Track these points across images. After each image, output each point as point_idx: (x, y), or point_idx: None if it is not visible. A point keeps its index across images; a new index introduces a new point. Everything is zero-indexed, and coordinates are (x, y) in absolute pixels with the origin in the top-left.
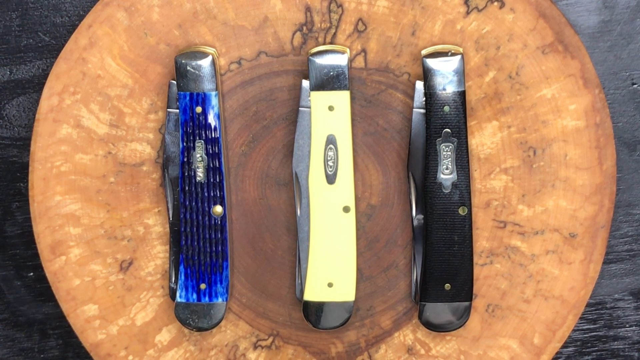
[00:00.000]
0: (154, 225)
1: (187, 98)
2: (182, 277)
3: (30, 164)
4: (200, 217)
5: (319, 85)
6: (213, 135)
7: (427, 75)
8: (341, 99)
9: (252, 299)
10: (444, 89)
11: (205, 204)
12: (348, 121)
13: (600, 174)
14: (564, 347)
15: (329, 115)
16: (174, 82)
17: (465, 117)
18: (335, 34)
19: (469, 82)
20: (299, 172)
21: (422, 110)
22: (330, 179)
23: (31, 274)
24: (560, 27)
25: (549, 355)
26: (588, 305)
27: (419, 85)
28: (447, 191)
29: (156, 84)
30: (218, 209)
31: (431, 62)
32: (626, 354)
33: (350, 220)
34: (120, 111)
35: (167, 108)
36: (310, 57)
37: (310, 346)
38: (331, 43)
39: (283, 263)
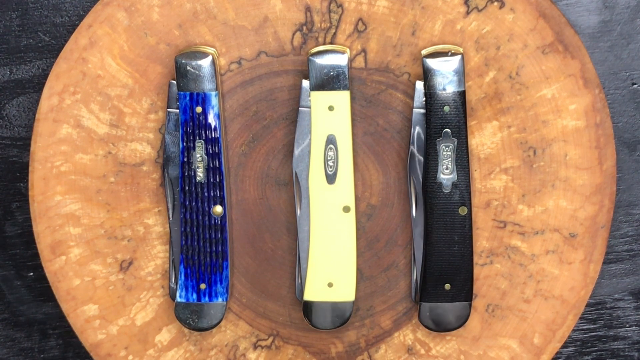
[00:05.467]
0: (154, 225)
1: (187, 98)
2: (182, 277)
3: (30, 164)
4: (200, 217)
5: (319, 85)
6: (213, 135)
7: (427, 75)
8: (341, 99)
9: (252, 299)
10: (444, 89)
11: (205, 204)
12: (348, 121)
13: (600, 174)
14: (564, 347)
15: (329, 115)
16: (174, 82)
17: (465, 117)
18: (335, 34)
19: (469, 82)
20: (299, 172)
21: (422, 110)
22: (330, 179)
23: (31, 274)
24: (560, 27)
25: (549, 355)
26: (588, 305)
27: (419, 85)
28: (447, 191)
29: (156, 84)
30: (218, 209)
31: (431, 62)
32: (626, 354)
33: (350, 220)
34: (120, 111)
35: (167, 108)
36: (310, 57)
37: (310, 346)
38: (331, 43)
39: (283, 263)
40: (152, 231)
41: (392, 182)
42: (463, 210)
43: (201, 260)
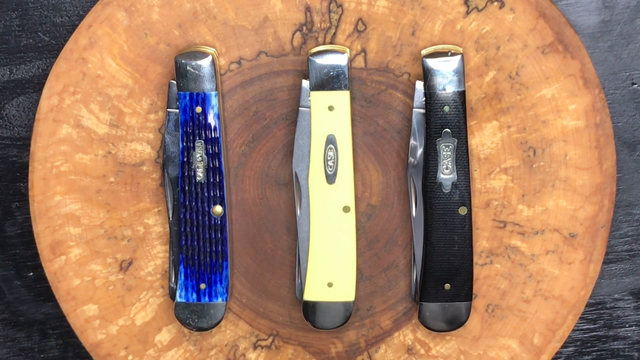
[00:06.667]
0: (154, 225)
1: (187, 98)
2: (182, 277)
3: (30, 164)
4: (200, 217)
5: (319, 85)
6: (213, 135)
7: (427, 75)
8: (341, 99)
9: (252, 299)
10: (444, 89)
11: (205, 204)
12: (348, 121)
13: (600, 174)
14: (564, 347)
15: (329, 115)
16: (174, 82)
17: (465, 117)
18: (335, 34)
19: (469, 82)
20: (299, 172)
21: (422, 110)
22: (330, 179)
23: (31, 274)
24: (560, 27)
25: (549, 355)
26: (588, 305)
27: (419, 85)
28: (447, 191)
29: (156, 84)
30: (218, 209)
31: (431, 62)
32: (626, 354)
33: (350, 220)
34: (120, 111)
35: (167, 108)
36: (310, 57)
37: (310, 346)
38: (331, 43)
39: (283, 263)
40: (152, 231)
41: (392, 182)
42: (463, 210)
43: (201, 260)
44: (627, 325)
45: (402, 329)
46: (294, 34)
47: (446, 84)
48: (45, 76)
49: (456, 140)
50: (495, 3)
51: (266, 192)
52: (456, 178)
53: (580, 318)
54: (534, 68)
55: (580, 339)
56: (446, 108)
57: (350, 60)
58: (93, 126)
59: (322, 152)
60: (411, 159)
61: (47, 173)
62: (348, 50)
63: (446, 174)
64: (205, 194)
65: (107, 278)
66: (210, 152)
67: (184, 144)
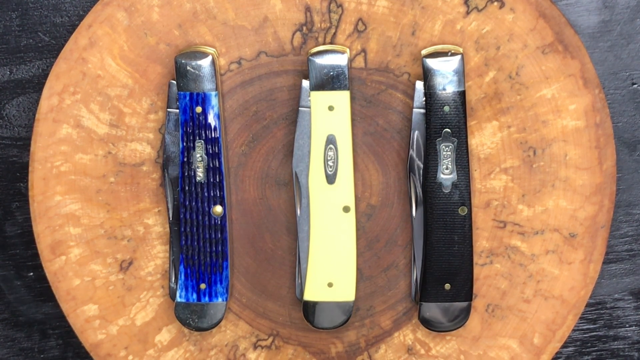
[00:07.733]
0: (154, 225)
1: (187, 98)
2: (182, 277)
3: (30, 164)
4: (200, 217)
5: (319, 85)
6: (213, 135)
7: (427, 75)
8: (341, 99)
9: (252, 299)
10: (444, 89)
11: (205, 204)
12: (348, 121)
13: (600, 174)
14: (564, 347)
15: (329, 115)
16: (174, 82)
17: (465, 117)
18: (335, 34)
19: (469, 82)
20: (299, 172)
21: (422, 110)
22: (330, 179)
23: (31, 274)
24: (560, 27)
25: (549, 355)
26: (588, 305)
27: (419, 85)
28: (447, 191)
29: (156, 84)
30: (218, 209)
31: (431, 62)
32: (626, 354)
33: (350, 220)
34: (120, 111)
35: (167, 108)
36: (310, 57)
37: (310, 346)
38: (331, 43)
39: (283, 263)
40: (152, 231)
41: (392, 182)
42: (463, 210)
43: (201, 260)
44: (627, 325)
45: (402, 329)
46: (294, 34)
47: (446, 84)
48: (45, 76)
49: (456, 140)
50: (495, 3)
51: (266, 192)
52: (456, 178)
53: (580, 318)
54: (534, 68)
55: (580, 339)
56: (446, 108)
57: (350, 60)
58: (93, 126)
59: (322, 152)
60: (411, 159)
61: (47, 173)
62: (348, 50)
63: (446, 174)
64: (205, 194)
65: (107, 278)
66: (210, 152)
67: (184, 144)
